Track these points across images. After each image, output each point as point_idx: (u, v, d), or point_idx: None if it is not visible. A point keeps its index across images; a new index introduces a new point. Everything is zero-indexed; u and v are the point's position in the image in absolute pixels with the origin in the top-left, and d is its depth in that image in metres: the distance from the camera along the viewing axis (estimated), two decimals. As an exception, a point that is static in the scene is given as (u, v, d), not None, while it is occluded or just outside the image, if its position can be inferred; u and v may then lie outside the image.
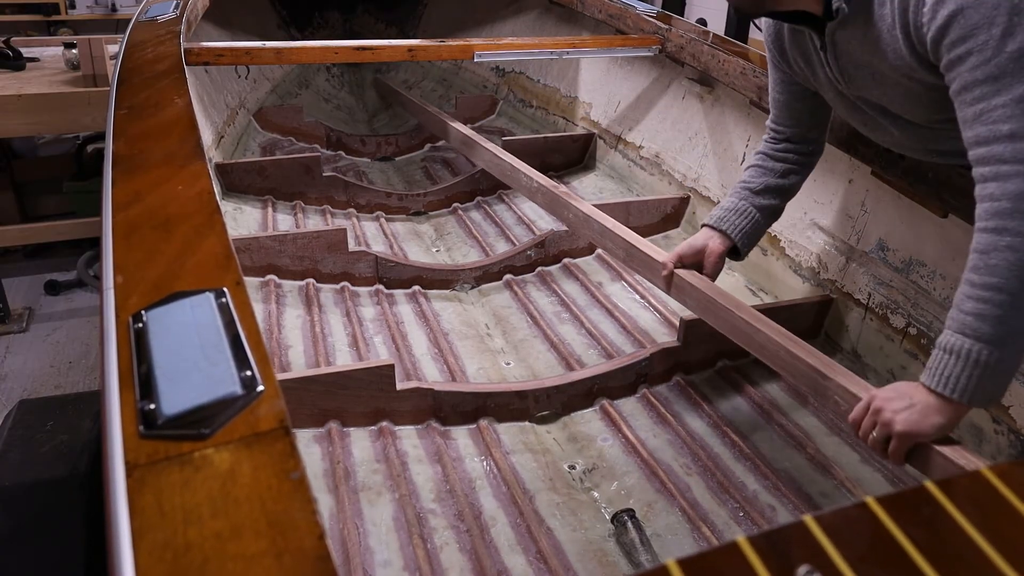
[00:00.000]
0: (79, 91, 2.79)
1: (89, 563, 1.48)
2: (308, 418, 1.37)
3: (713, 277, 1.43)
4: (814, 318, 1.70)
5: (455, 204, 2.51)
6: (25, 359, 2.97)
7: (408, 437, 1.40)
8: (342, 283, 1.92)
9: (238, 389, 0.69)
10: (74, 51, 2.93)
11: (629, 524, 1.21)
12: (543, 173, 2.03)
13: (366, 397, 1.39)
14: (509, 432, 1.45)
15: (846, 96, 1.27)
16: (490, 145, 2.27)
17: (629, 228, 1.66)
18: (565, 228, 2.03)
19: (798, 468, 1.36)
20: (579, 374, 1.55)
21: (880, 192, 1.63)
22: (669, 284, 1.46)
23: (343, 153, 3.00)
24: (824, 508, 1.27)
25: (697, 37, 2.26)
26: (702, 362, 1.63)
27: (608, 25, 2.70)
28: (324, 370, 1.39)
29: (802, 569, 0.53)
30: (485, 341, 1.77)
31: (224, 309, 0.81)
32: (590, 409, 1.53)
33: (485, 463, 1.36)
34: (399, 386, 1.40)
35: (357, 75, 3.90)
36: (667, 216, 2.22)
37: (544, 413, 1.51)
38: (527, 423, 1.49)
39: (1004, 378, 0.97)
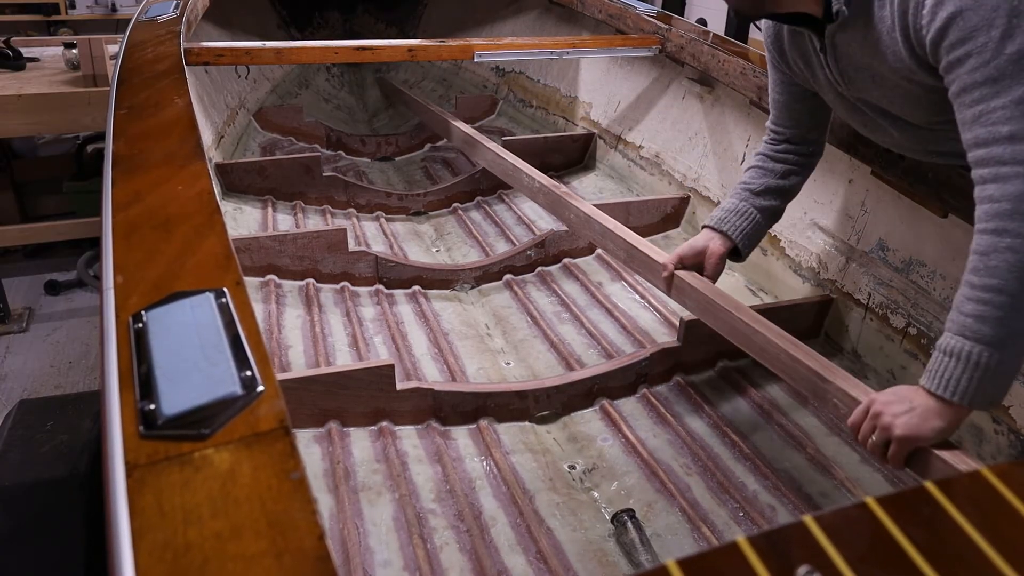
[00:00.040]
0: (79, 91, 2.79)
1: (89, 563, 1.48)
2: (308, 418, 1.37)
3: (714, 279, 1.43)
4: (814, 318, 1.70)
5: (455, 204, 2.51)
6: (25, 359, 2.97)
7: (408, 437, 1.40)
8: (342, 283, 1.92)
9: (238, 389, 0.69)
10: (74, 51, 2.93)
11: (629, 524, 1.21)
12: (543, 173, 2.03)
13: (366, 397, 1.39)
14: (509, 432, 1.46)
15: (846, 98, 1.27)
16: (492, 144, 2.27)
17: (629, 228, 1.66)
18: (565, 228, 2.03)
19: (798, 468, 1.36)
20: (579, 374, 1.55)
21: (880, 192, 1.63)
22: (669, 286, 1.46)
23: (343, 153, 3.00)
24: (824, 508, 1.27)
25: (697, 37, 2.26)
26: (702, 362, 1.63)
27: (608, 25, 2.70)
28: (324, 370, 1.39)
29: (802, 569, 0.53)
30: (485, 341, 1.77)
31: (224, 309, 0.81)
32: (590, 409, 1.53)
33: (485, 463, 1.36)
34: (399, 386, 1.40)
35: (357, 75, 3.90)
36: (667, 216, 2.22)
37: (544, 413, 1.51)
38: (527, 423, 1.49)
39: (1005, 380, 0.96)
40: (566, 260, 2.08)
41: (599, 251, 2.10)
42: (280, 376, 1.33)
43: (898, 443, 1.00)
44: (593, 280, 1.99)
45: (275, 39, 2.96)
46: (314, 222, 2.29)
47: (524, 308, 1.89)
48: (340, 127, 3.23)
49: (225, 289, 0.84)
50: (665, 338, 1.70)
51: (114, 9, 6.46)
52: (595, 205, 1.81)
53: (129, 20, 2.27)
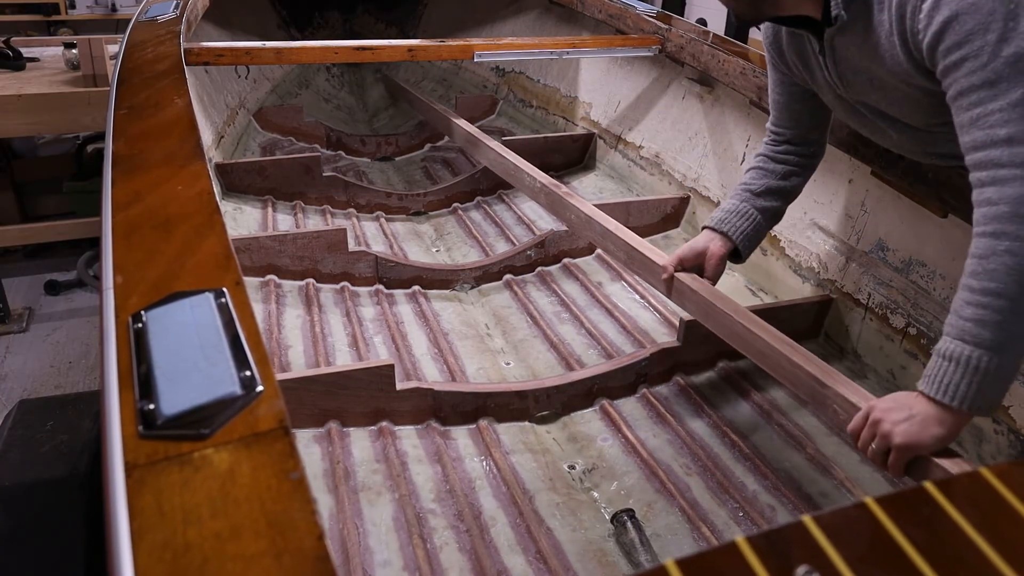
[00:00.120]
0: (79, 91, 2.79)
1: (89, 563, 1.48)
2: (308, 418, 1.37)
3: (714, 280, 1.43)
4: (814, 318, 1.70)
5: (455, 204, 2.51)
6: (25, 359, 2.97)
7: (408, 437, 1.40)
8: (342, 283, 1.92)
9: (237, 389, 0.69)
10: (74, 51, 2.93)
11: (629, 524, 1.21)
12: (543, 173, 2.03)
13: (366, 397, 1.39)
14: (509, 432, 1.46)
15: (845, 99, 1.27)
16: (494, 144, 2.27)
17: (629, 228, 1.66)
18: (565, 228, 2.03)
19: (798, 468, 1.36)
20: (579, 374, 1.55)
21: (880, 192, 1.63)
22: (670, 288, 1.46)
23: (343, 153, 3.00)
24: (823, 508, 1.27)
25: (697, 37, 2.26)
26: (702, 362, 1.63)
27: (608, 25, 2.70)
28: (324, 370, 1.39)
29: (801, 569, 0.53)
30: (485, 341, 1.77)
31: (224, 309, 0.81)
32: (590, 409, 1.53)
33: (485, 463, 1.36)
34: (399, 386, 1.40)
35: (357, 75, 3.90)
36: (667, 216, 2.22)
37: (544, 413, 1.51)
38: (527, 423, 1.49)
39: (1004, 384, 0.96)
40: (566, 260, 2.08)
41: (599, 251, 2.10)
42: (280, 376, 1.33)
43: (897, 451, 0.99)
44: (593, 280, 1.99)
45: (275, 39, 2.96)
46: (314, 222, 2.29)
47: (524, 308, 1.89)
48: (340, 127, 3.23)
49: (225, 289, 0.84)
50: (665, 338, 1.70)
51: (114, 9, 6.46)
52: (595, 205, 1.81)
53: (129, 20, 2.27)
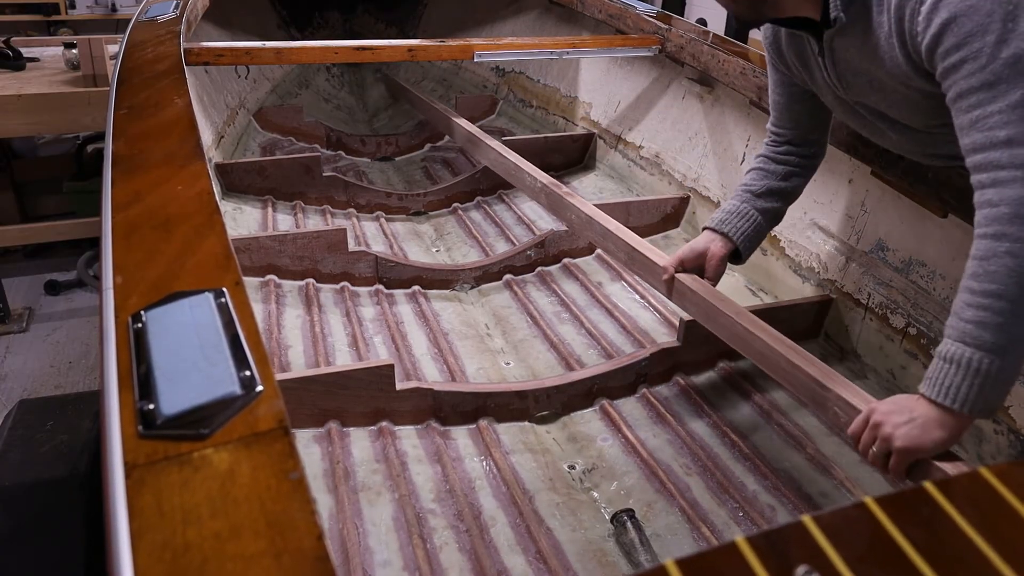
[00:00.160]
0: (79, 91, 2.79)
1: (89, 563, 1.48)
2: (308, 418, 1.37)
3: (715, 281, 1.43)
4: (814, 318, 1.70)
5: (455, 204, 2.51)
6: (25, 359, 2.97)
7: (408, 437, 1.40)
8: (342, 283, 1.92)
9: (237, 389, 0.69)
10: (74, 51, 2.93)
11: (629, 524, 1.21)
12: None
13: (366, 397, 1.39)
14: (509, 432, 1.46)
15: (844, 100, 1.27)
16: (495, 143, 2.27)
17: (629, 228, 1.66)
18: (565, 228, 2.03)
19: (798, 468, 1.36)
20: (579, 374, 1.55)
21: (880, 192, 1.63)
22: (670, 289, 1.46)
23: (343, 153, 3.00)
24: (823, 508, 1.27)
25: (697, 37, 2.26)
26: (702, 362, 1.63)
27: (608, 25, 2.70)
28: (324, 370, 1.39)
29: (801, 569, 0.53)
30: (485, 341, 1.77)
31: (223, 309, 0.81)
32: (590, 409, 1.53)
33: (485, 463, 1.36)
34: (399, 386, 1.40)
35: (357, 75, 3.90)
36: (667, 216, 2.22)
37: (544, 413, 1.51)
38: (527, 423, 1.49)
39: (1005, 387, 0.95)
40: (566, 260, 2.08)
41: (599, 251, 2.10)
42: (280, 376, 1.33)
43: (898, 455, 0.99)
44: (593, 280, 1.99)
45: (275, 39, 2.96)
46: (314, 222, 2.29)
47: (524, 308, 1.89)
48: (340, 127, 3.23)
49: (224, 289, 0.84)
50: (665, 338, 1.70)
51: (114, 9, 6.46)
52: (595, 205, 1.81)
53: (129, 20, 2.27)
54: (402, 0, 4.12)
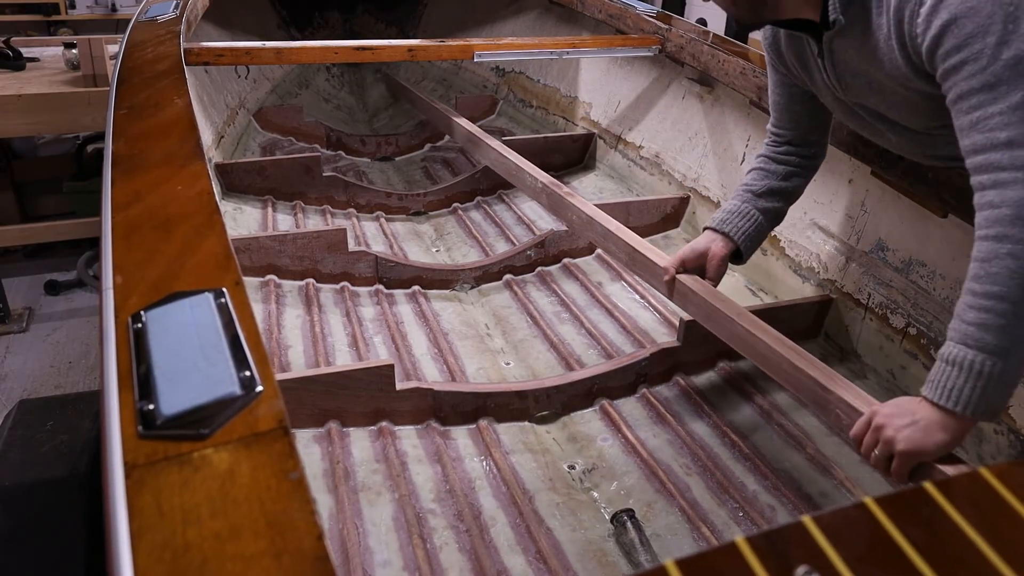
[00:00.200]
0: (79, 91, 2.79)
1: (89, 563, 1.48)
2: (308, 418, 1.37)
3: (716, 281, 1.43)
4: (814, 318, 1.70)
5: (455, 204, 2.51)
6: (25, 359, 2.97)
7: (408, 437, 1.40)
8: (342, 283, 1.92)
9: (237, 389, 0.69)
10: (74, 51, 2.93)
11: (629, 524, 1.21)
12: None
13: (366, 397, 1.39)
14: (509, 432, 1.46)
15: (844, 102, 1.27)
16: (496, 143, 2.27)
17: (629, 228, 1.66)
18: (565, 228, 2.03)
19: (798, 468, 1.36)
20: (579, 374, 1.55)
21: (880, 192, 1.63)
22: (671, 290, 1.46)
23: (343, 153, 3.00)
24: (823, 508, 1.27)
25: (697, 37, 2.26)
26: (702, 362, 1.63)
27: (608, 25, 2.70)
28: (324, 370, 1.39)
29: (801, 569, 0.53)
30: (485, 341, 1.77)
31: (223, 309, 0.81)
32: (590, 409, 1.53)
33: (485, 463, 1.36)
34: (399, 386, 1.40)
35: (357, 75, 3.90)
36: (667, 216, 2.22)
37: (544, 413, 1.51)
38: (527, 423, 1.49)
39: (1008, 389, 0.95)
40: (566, 260, 2.08)
41: (599, 251, 2.10)
42: (280, 376, 1.33)
43: (900, 458, 0.98)
44: (593, 280, 1.99)
45: (275, 39, 2.96)
46: (314, 222, 2.29)
47: (524, 308, 1.89)
48: (340, 127, 3.23)
49: (224, 289, 0.84)
50: (665, 338, 1.70)
51: (114, 9, 6.46)
52: (595, 205, 1.81)
53: (129, 20, 2.27)
54: (402, 0, 4.12)
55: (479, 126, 2.65)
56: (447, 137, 3.05)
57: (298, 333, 1.68)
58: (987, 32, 0.93)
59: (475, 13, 3.64)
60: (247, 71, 3.04)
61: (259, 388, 0.70)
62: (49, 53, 3.40)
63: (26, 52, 3.23)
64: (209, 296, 0.83)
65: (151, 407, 0.68)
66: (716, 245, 1.42)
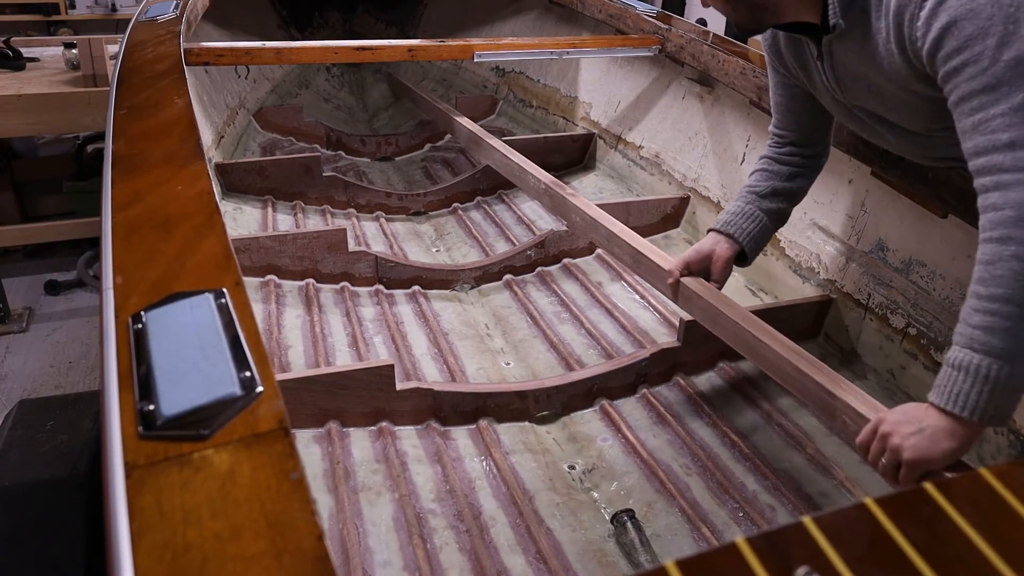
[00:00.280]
0: (79, 91, 2.79)
1: (89, 563, 1.48)
2: (308, 418, 1.37)
3: (721, 283, 1.42)
4: (814, 318, 1.70)
5: (455, 204, 2.51)
6: (25, 359, 2.97)
7: (408, 437, 1.40)
8: (342, 283, 1.92)
9: (237, 390, 0.69)
10: (74, 51, 2.93)
11: (629, 524, 1.21)
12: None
13: (366, 397, 1.39)
14: (509, 432, 1.46)
15: (843, 104, 1.27)
16: (498, 143, 2.27)
17: (629, 228, 1.66)
18: (565, 228, 2.03)
19: (798, 468, 1.36)
20: (579, 374, 1.55)
21: (880, 192, 1.63)
22: (676, 293, 1.45)
23: (343, 153, 3.00)
24: (824, 508, 1.27)
25: (697, 37, 2.26)
26: (702, 362, 1.63)
27: (608, 25, 2.70)
28: (324, 370, 1.39)
29: (801, 570, 0.53)
30: (485, 341, 1.77)
31: (223, 310, 0.81)
32: (590, 409, 1.53)
33: (485, 463, 1.36)
34: (399, 386, 1.40)
35: (357, 75, 3.90)
36: (667, 216, 2.22)
37: (544, 413, 1.51)
38: (527, 423, 1.49)
39: (1016, 393, 0.93)
40: (566, 260, 2.08)
41: (599, 251, 2.10)
42: (280, 376, 1.33)
43: (908, 467, 0.97)
44: (593, 280, 1.99)
45: (275, 39, 2.96)
46: (314, 222, 2.29)
47: (524, 308, 1.89)
48: (340, 127, 3.23)
49: (224, 289, 0.84)
50: (665, 338, 1.70)
51: (114, 9, 6.46)
52: (595, 205, 1.81)
53: (129, 20, 2.27)
54: (402, 0, 4.12)
55: (479, 126, 2.66)
56: (447, 137, 3.06)
57: (298, 333, 1.68)
58: (987, 34, 0.92)
59: (475, 13, 3.64)
60: (247, 71, 3.04)
61: (259, 388, 0.70)
62: (49, 53, 3.40)
63: (26, 52, 3.23)
64: (209, 296, 0.83)
65: (151, 407, 0.68)
66: (720, 247, 1.42)
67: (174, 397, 0.69)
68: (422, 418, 1.44)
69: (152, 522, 0.57)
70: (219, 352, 0.74)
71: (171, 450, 0.64)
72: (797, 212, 1.80)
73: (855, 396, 1.12)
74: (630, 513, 1.24)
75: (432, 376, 1.60)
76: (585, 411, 1.53)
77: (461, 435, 1.44)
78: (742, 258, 1.44)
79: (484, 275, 2.03)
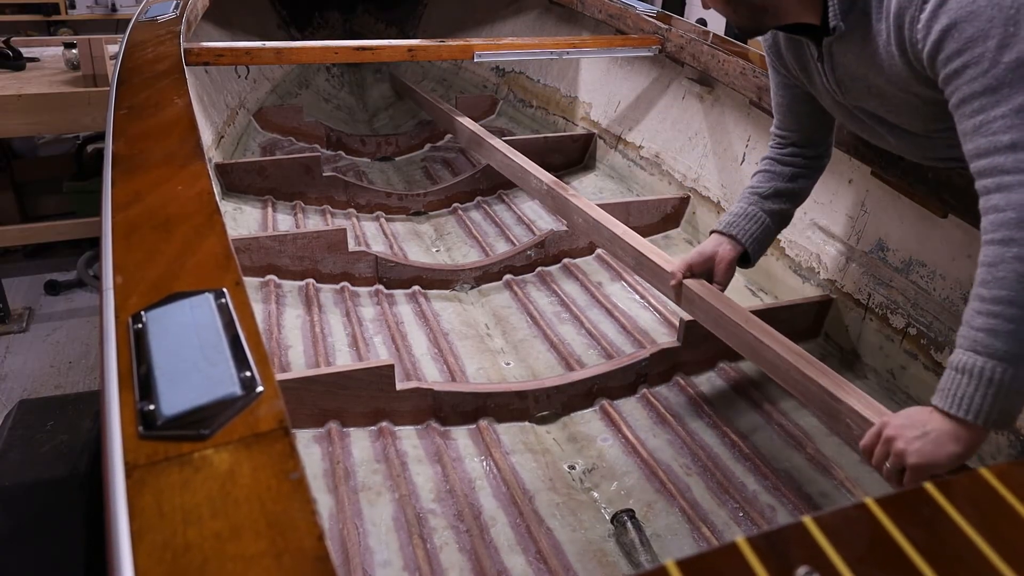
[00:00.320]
0: (79, 91, 2.79)
1: (89, 563, 1.48)
2: (308, 418, 1.37)
3: (724, 285, 1.42)
4: (814, 318, 1.70)
5: (455, 204, 2.51)
6: (25, 359, 2.97)
7: (408, 437, 1.40)
8: (342, 283, 1.92)
9: (237, 390, 0.69)
10: (74, 51, 2.93)
11: (629, 524, 1.21)
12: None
13: (366, 397, 1.39)
14: (509, 432, 1.46)
15: (843, 105, 1.27)
16: (500, 143, 2.27)
17: (631, 230, 1.66)
18: (565, 228, 2.03)
19: (798, 468, 1.36)
20: (579, 374, 1.55)
21: (880, 192, 1.63)
22: (679, 295, 1.45)
23: (343, 153, 3.00)
24: (824, 508, 1.27)
25: (697, 37, 2.26)
26: (702, 362, 1.63)
27: (608, 25, 2.70)
28: (324, 370, 1.39)
29: (801, 570, 0.53)
30: (485, 341, 1.77)
31: (223, 309, 0.81)
32: (590, 409, 1.53)
33: (485, 463, 1.36)
34: (399, 386, 1.40)
35: (357, 75, 3.90)
36: (667, 216, 2.22)
37: (544, 413, 1.51)
38: (527, 423, 1.49)
39: (1021, 396, 0.92)
40: (566, 260, 2.08)
41: (599, 251, 2.10)
42: (280, 376, 1.33)
43: (912, 471, 0.96)
44: (593, 280, 1.99)
45: (275, 39, 2.96)
46: (314, 222, 2.29)
47: (524, 308, 1.89)
48: (340, 127, 3.23)
49: (225, 289, 0.84)
50: (665, 338, 1.70)
51: (114, 9, 6.46)
52: (596, 205, 1.81)
53: (129, 20, 2.27)
54: (402, 0, 4.13)
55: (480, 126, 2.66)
56: (447, 137, 3.06)
57: (298, 333, 1.68)
58: (988, 36, 0.92)
59: (475, 13, 3.64)
60: (247, 71, 3.04)
61: (259, 388, 0.70)
62: (49, 53, 3.40)
63: (26, 52, 3.23)
64: (209, 296, 0.83)
65: (151, 407, 0.68)
66: (723, 248, 1.41)
67: (174, 397, 0.69)
68: (422, 418, 1.44)
69: (152, 522, 0.57)
70: (219, 352, 0.74)
71: (171, 450, 0.64)
72: (797, 212, 1.80)
73: (858, 399, 1.11)
74: (630, 513, 1.24)
75: (432, 376, 1.60)
76: (585, 411, 1.53)
77: (461, 435, 1.44)
78: (745, 259, 1.44)
79: (484, 275, 2.03)
